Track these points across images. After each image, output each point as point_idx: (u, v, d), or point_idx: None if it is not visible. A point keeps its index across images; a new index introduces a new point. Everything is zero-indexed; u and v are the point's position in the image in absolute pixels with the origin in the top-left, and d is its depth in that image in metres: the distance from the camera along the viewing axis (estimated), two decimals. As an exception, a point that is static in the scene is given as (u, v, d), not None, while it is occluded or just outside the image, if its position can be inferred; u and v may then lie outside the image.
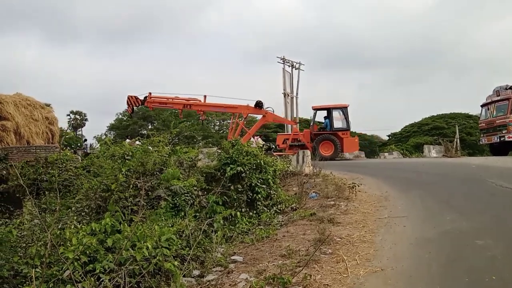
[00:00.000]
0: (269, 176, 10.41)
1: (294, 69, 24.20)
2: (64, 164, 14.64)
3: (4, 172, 17.91)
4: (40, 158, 17.19)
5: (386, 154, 31.89)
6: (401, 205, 8.96)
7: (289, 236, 7.30)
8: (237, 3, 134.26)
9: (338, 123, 20.74)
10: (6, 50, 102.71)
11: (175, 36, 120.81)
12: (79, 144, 35.20)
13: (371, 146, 57.13)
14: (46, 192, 9.13)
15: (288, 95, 22.79)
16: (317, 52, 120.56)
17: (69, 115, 64.87)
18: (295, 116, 23.76)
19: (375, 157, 34.99)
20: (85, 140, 31.03)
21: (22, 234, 5.87)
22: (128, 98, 20.58)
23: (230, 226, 8.29)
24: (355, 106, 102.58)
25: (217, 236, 6.71)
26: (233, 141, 11.21)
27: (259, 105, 20.30)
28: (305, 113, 58.75)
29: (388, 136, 63.67)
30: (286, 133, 21.08)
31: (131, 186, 7.59)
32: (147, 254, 5.04)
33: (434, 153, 26.15)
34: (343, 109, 21.01)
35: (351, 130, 21.43)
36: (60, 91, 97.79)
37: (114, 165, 9.19)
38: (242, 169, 9.93)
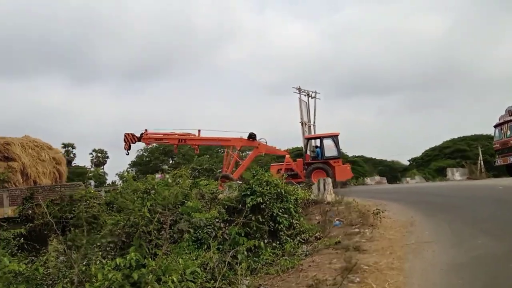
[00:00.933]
0: (290, 205, 10.31)
1: (310, 98, 24.38)
2: (88, 201, 14.83)
3: (30, 211, 18.26)
4: (64, 196, 17.48)
5: (408, 179, 31.34)
6: (429, 230, 8.72)
7: (315, 266, 7.15)
8: (252, 38, 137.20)
9: (329, 151, 20.74)
10: (34, 92, 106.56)
11: (194, 72, 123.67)
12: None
13: (392, 171, 56.21)
14: (72, 229, 9.22)
15: (306, 124, 22.86)
16: (333, 81, 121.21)
17: (91, 153, 66.20)
18: (313, 145, 23.67)
19: (397, 182, 34.38)
20: (90, 178, 31.46)
21: (48, 271, 5.90)
22: (125, 135, 21.06)
23: (254, 258, 8.18)
24: (373, 132, 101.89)
25: (241, 268, 6.61)
26: (254, 172, 11.21)
27: (252, 137, 20.62)
28: (324, 141, 58.67)
29: (409, 161, 62.71)
30: (279, 163, 21.12)
31: (155, 220, 7.61)
32: (173, 287, 5.00)
33: (458, 176, 25.58)
34: (334, 137, 21.09)
35: (341, 157, 21.53)
36: (84, 130, 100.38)
37: (137, 200, 9.27)
38: (262, 200, 9.87)
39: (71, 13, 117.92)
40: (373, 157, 60.51)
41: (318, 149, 21.28)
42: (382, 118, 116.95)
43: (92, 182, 25.77)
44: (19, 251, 7.55)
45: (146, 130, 20.97)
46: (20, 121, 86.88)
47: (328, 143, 20.89)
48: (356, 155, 57.14)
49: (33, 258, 6.80)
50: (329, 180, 14.49)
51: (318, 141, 21.88)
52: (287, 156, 21.59)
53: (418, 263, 6.47)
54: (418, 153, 62.60)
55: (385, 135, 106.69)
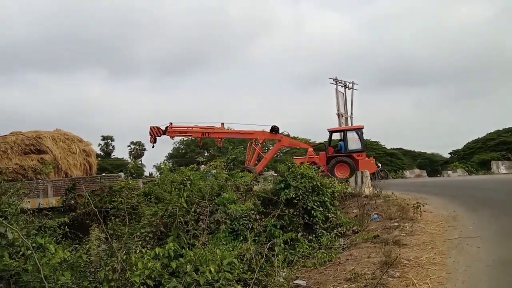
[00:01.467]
0: (326, 198, 10.17)
1: (347, 89, 23.89)
2: (127, 192, 15.22)
3: (73, 201, 18.97)
4: (104, 187, 18.04)
5: (449, 172, 30.30)
6: (472, 225, 8.39)
7: (353, 260, 7.02)
8: (287, 30, 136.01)
9: (353, 144, 20.26)
10: (74, 87, 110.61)
11: (228, 66, 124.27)
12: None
13: (432, 164, 54.56)
14: (112, 219, 9.48)
15: (342, 116, 22.45)
16: (370, 72, 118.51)
17: (129, 145, 68.01)
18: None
19: (438, 175, 33.34)
20: (121, 170, 32.21)
21: (91, 259, 6.07)
22: (151, 128, 21.33)
23: (290, 250, 8.13)
24: (412, 124, 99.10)
25: (278, 260, 6.58)
26: (289, 164, 11.12)
27: (274, 129, 20.48)
28: (361, 133, 57.60)
29: (450, 153, 60.61)
30: (302, 157, 20.79)
31: (192, 211, 7.70)
32: (210, 278, 5.03)
33: (503, 169, 24.49)
34: (358, 130, 20.63)
35: (365, 151, 20.81)
36: (123, 123, 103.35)
37: (174, 191, 9.41)
38: (295, 194, 9.77)
39: (109, 11, 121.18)
40: (412, 150, 58.92)
41: (341, 142, 20.93)
42: (421, 109, 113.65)
43: (122, 174, 26.49)
44: (63, 239, 7.82)
45: (171, 123, 21.30)
46: (61, 115, 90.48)
47: (351, 136, 20.49)
48: (395, 147, 55.86)
49: (76, 246, 7.02)
50: (367, 173, 14.20)
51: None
52: (310, 149, 21.35)
53: (462, 259, 6.23)
54: (459, 145, 60.47)
55: (424, 127, 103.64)
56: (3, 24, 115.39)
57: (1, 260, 4.76)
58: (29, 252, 5.01)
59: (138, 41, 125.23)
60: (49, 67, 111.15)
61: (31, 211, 8.92)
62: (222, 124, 21.30)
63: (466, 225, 8.43)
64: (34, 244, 4.63)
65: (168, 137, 21.57)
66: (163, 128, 21.27)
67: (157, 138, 21.47)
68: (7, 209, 6.61)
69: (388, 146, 55.82)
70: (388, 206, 11.17)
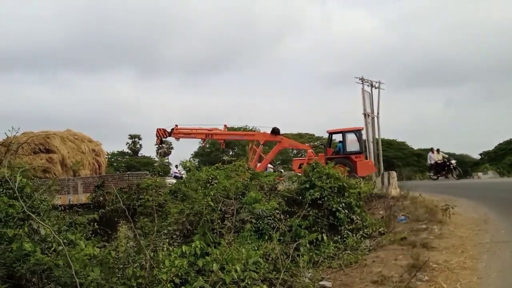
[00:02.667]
0: (352, 199, 10.05)
1: (374, 88, 23.44)
2: (154, 190, 15.46)
3: (101, 198, 19.41)
4: (132, 184, 18.39)
5: (480, 174, 29.48)
6: (505, 228, 8.13)
7: (380, 262, 6.92)
8: (314, 29, 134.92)
9: (351, 146, 20.12)
10: (104, 86, 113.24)
11: (255, 65, 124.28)
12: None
13: (461, 166, 53.13)
14: (140, 216, 9.66)
15: (369, 116, 22.04)
16: (399, 71, 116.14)
17: (156, 144, 68.94)
18: (376, 137, 22.89)
19: (468, 177, 32.47)
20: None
21: (119, 255, 6.19)
22: (157, 130, 21.76)
23: (315, 251, 8.08)
24: (441, 124, 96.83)
25: (303, 260, 6.55)
26: (314, 164, 11.05)
27: (275, 131, 20.74)
28: (388, 133, 56.71)
29: (480, 154, 58.90)
30: (301, 158, 20.82)
31: (218, 209, 7.75)
32: (236, 277, 5.05)
33: (537, 171, 23.59)
34: (357, 132, 20.49)
35: (364, 152, 20.44)
36: (150, 122, 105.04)
37: (200, 190, 9.50)
38: (321, 194, 9.69)
39: (139, 13, 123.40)
40: (441, 150, 57.55)
41: (340, 144, 20.91)
42: (450, 109, 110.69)
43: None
44: (93, 235, 8.01)
45: (176, 125, 21.79)
46: (91, 113, 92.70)
47: (350, 137, 20.39)
48: (422, 148, 54.69)
49: (105, 243, 7.17)
50: (394, 173, 13.95)
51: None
52: (309, 150, 21.38)
53: (494, 264, 6.05)
54: (490, 146, 58.69)
55: (453, 127, 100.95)
56: (37, 25, 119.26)
57: (33, 255, 4.91)
58: (60, 247, 5.16)
59: (167, 42, 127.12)
60: (81, 67, 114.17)
61: (62, 208, 9.18)
62: (225, 125, 21.77)
63: (498, 229, 8.18)
64: (65, 240, 4.76)
65: (174, 138, 22.01)
66: (169, 130, 21.71)
67: (163, 139, 22.03)
68: (39, 206, 6.82)
69: (415, 147, 54.74)
70: (416, 208, 10.94)
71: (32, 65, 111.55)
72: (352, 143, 20.13)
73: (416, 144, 57.48)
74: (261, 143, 21.32)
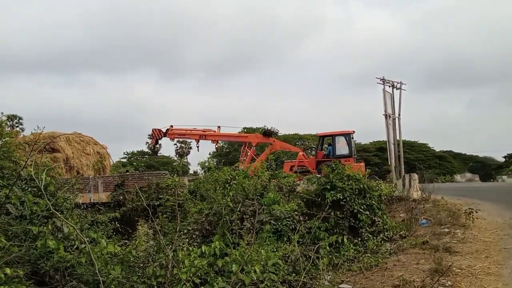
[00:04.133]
0: (373, 201, 9.93)
1: (395, 89, 23.12)
2: (173, 189, 15.57)
3: (121, 197, 19.66)
4: (151, 184, 18.56)
5: (504, 177, 28.76)
6: (531, 234, 7.91)
7: (401, 266, 6.81)
8: (336, 29, 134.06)
9: (341, 149, 20.21)
10: (126, 87, 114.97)
11: (275, 66, 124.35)
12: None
13: (484, 168, 52.02)
14: (160, 215, 9.73)
15: (390, 117, 21.74)
16: (420, 72, 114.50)
17: (175, 144, 69.53)
18: (397, 138, 22.57)
19: (492, 180, 31.75)
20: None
21: (139, 254, 6.25)
22: (153, 131, 22.24)
23: (335, 253, 8.00)
24: (463, 126, 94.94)
25: (323, 262, 6.49)
26: (333, 165, 10.95)
27: (267, 133, 21.37)
28: (409, 135, 55.87)
29: (505, 157, 57.47)
30: (292, 161, 21.02)
31: (238, 210, 7.75)
32: (255, 278, 5.03)
33: None
34: (346, 135, 20.50)
35: (354, 156, 20.57)
36: (170, 122, 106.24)
37: (219, 190, 9.50)
38: (342, 196, 9.60)
39: (161, 16, 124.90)
40: (463, 153, 56.44)
41: (330, 147, 21.01)
42: (473, 110, 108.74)
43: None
44: (114, 233, 8.11)
45: (171, 126, 22.18)
46: (114, 114, 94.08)
47: (340, 141, 20.49)
48: (444, 150, 53.76)
49: (125, 241, 7.25)
50: (415, 176, 13.74)
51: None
52: (300, 153, 21.58)
53: (520, 270, 5.88)
54: (515, 149, 57.25)
55: (477, 129, 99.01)
56: (63, 28, 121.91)
57: (57, 253, 4.99)
58: (83, 245, 5.24)
59: (189, 44, 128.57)
60: (105, 69, 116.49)
61: (84, 206, 9.32)
62: (219, 127, 22.19)
63: (525, 234, 7.97)
64: (87, 238, 4.82)
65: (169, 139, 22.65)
66: (164, 130, 22.14)
67: (159, 140, 22.54)
68: (63, 204, 6.94)
69: (437, 149, 53.80)
70: (438, 211, 10.76)
71: (57, 67, 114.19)
72: (341, 147, 20.26)
73: (438, 146, 56.45)
74: (254, 145, 21.88)
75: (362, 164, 20.36)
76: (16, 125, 45.86)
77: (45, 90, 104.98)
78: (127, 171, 24.71)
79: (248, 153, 21.49)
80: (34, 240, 5.11)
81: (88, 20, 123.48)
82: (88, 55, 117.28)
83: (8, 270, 4.01)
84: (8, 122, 43.69)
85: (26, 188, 6.33)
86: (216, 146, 23.24)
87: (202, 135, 22.33)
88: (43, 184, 5.07)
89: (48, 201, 4.90)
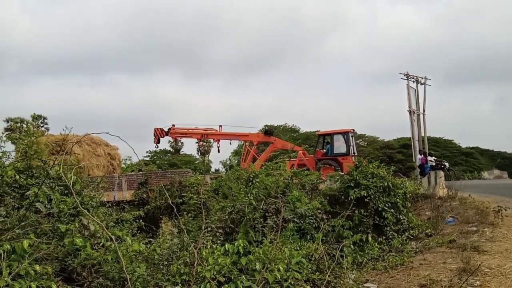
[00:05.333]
0: (398, 199, 9.77)
1: (419, 84, 22.70)
2: (195, 188, 15.73)
3: (145, 195, 19.92)
4: (174, 182, 18.76)
5: (534, 174, 27.86)
6: None
7: (427, 265, 6.67)
8: (361, 25, 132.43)
9: (339, 148, 20.39)
10: (150, 87, 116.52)
11: (300, 64, 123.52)
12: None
13: (512, 165, 50.52)
14: (184, 213, 9.83)
15: (414, 113, 21.37)
16: (447, 67, 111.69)
17: (197, 142, 70.01)
18: (422, 134, 22.18)
19: (520, 177, 30.86)
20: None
21: (163, 252, 6.32)
22: (155, 130, 22.41)
23: (359, 252, 7.90)
24: (491, 122, 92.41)
25: (347, 261, 6.41)
26: (357, 163, 10.83)
27: (268, 132, 21.76)
28: (434, 131, 54.80)
29: (534, 153, 55.75)
30: (293, 159, 21.27)
31: (260, 208, 7.75)
32: (279, 276, 5.02)
33: None
34: (345, 134, 20.60)
35: (353, 154, 20.49)
36: (194, 121, 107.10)
37: (241, 188, 9.53)
38: (366, 193, 9.49)
39: (186, 16, 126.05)
40: (490, 149, 54.98)
41: (328, 146, 21.14)
42: (501, 106, 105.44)
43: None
44: (138, 231, 8.22)
45: (173, 125, 22.46)
46: (139, 114, 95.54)
47: (338, 139, 20.70)
48: (470, 146, 52.50)
49: (150, 239, 7.34)
50: (441, 173, 13.45)
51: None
52: (300, 151, 21.68)
53: (553, 270, 5.68)
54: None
55: (505, 125, 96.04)
56: (90, 29, 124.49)
57: (84, 250, 5.09)
58: (108, 243, 5.32)
59: (213, 43, 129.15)
60: (130, 69, 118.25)
61: (109, 204, 9.48)
62: (220, 126, 22.44)
63: (557, 233, 7.69)
64: (112, 236, 4.90)
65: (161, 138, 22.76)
66: (166, 129, 22.39)
67: (161, 139, 22.68)
68: (89, 202, 7.07)
69: (463, 145, 52.58)
70: (465, 209, 10.49)
71: (84, 69, 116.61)
72: (340, 145, 20.47)
73: (464, 142, 55.19)
74: (255, 144, 22.21)
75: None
76: (41, 125, 47.01)
77: (71, 90, 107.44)
78: (140, 170, 25.12)
79: (250, 152, 21.81)
80: (62, 237, 5.21)
81: (114, 21, 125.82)
82: (113, 56, 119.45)
83: (37, 267, 4.09)
84: (33, 122, 44.86)
85: (54, 186, 6.47)
86: (218, 144, 23.56)
87: (204, 134, 22.82)
88: (71, 182, 5.16)
89: (75, 200, 4.99)
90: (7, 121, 47.81)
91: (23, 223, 4.72)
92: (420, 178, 15.20)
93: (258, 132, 22.11)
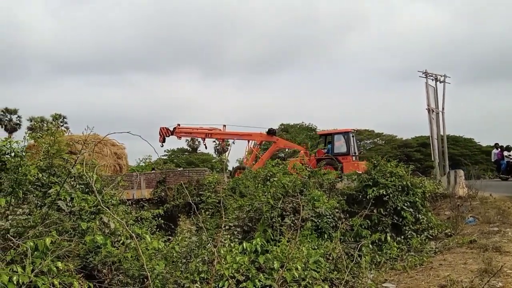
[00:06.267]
0: (417, 198, 9.66)
1: (438, 82, 22.31)
2: (213, 186, 15.82)
3: (163, 193, 20.13)
4: (192, 180, 18.89)
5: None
6: None
7: (447, 265, 6.58)
8: (379, 23, 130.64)
9: (339, 148, 20.77)
10: (169, 86, 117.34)
11: (317, 62, 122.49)
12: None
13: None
14: (202, 212, 9.90)
15: (433, 111, 21.03)
16: (467, 65, 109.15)
17: (214, 141, 70.30)
18: (441, 133, 21.81)
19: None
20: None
21: (182, 250, 6.39)
22: (160, 129, 22.70)
23: (378, 252, 7.84)
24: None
25: (365, 261, 6.38)
26: (375, 162, 10.73)
27: (271, 132, 21.98)
28: (454, 130, 53.86)
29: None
30: (296, 158, 21.52)
31: (278, 207, 7.75)
32: (297, 275, 5.02)
33: None
34: (345, 134, 20.99)
35: (353, 154, 20.87)
36: (211, 120, 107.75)
37: (258, 186, 9.55)
38: (385, 192, 9.41)
39: (203, 16, 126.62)
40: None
41: (329, 145, 21.51)
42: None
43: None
44: (157, 229, 8.32)
45: (178, 124, 22.82)
46: (156, 113, 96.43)
47: (338, 139, 21.08)
48: (491, 145, 51.38)
49: (169, 237, 7.42)
50: (461, 172, 13.23)
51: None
52: (302, 151, 21.82)
53: None
54: None
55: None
56: (109, 28, 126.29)
57: (104, 248, 5.18)
58: (128, 241, 5.41)
59: (231, 42, 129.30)
60: (148, 68, 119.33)
61: (129, 202, 9.61)
62: (224, 126, 22.82)
63: None
64: (132, 234, 4.97)
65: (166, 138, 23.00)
66: (171, 128, 22.71)
67: (166, 138, 22.87)
68: (109, 201, 7.19)
69: (484, 144, 51.52)
70: (486, 209, 10.31)
71: (105, 68, 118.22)
72: (340, 145, 20.81)
73: (484, 141, 53.95)
74: (258, 143, 22.55)
75: (363, 162, 20.57)
76: (61, 124, 47.92)
77: (92, 90, 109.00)
78: (153, 168, 25.38)
79: (253, 152, 22.17)
80: (83, 235, 5.32)
81: (133, 21, 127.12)
82: (133, 56, 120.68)
83: (59, 264, 4.19)
84: (53, 121, 45.79)
85: (75, 185, 6.60)
86: (222, 144, 23.89)
87: (208, 134, 23.03)
88: (94, 181, 5.26)
89: (98, 198, 5.08)
90: (30, 120, 48.87)
91: (46, 222, 4.83)
92: (500, 176, 14.57)
93: (260, 132, 22.49)
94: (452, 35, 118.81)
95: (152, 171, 24.32)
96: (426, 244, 8.45)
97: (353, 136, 21.33)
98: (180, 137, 23.71)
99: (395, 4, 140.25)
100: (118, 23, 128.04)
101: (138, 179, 21.99)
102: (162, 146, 23.49)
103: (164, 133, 22.85)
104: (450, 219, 9.97)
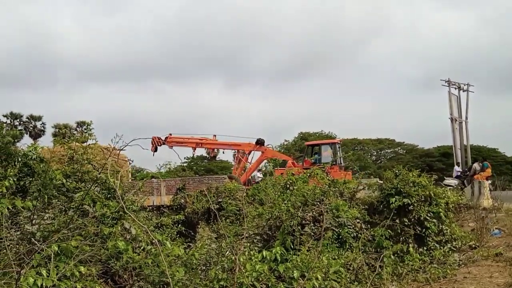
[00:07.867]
0: (440, 209, 9.46)
1: (462, 91, 22.00)
2: (232, 193, 15.82)
3: (183, 200, 20.24)
4: (211, 187, 18.95)
5: None
6: None
7: (472, 278, 6.42)
8: (403, 32, 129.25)
9: (326, 158, 21.09)
10: (194, 95, 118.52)
11: (339, 70, 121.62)
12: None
13: None
14: (222, 219, 9.91)
15: (456, 120, 20.73)
16: (492, 73, 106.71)
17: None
18: (465, 143, 21.45)
19: None
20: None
21: (201, 257, 6.40)
22: (153, 138, 23.02)
23: (400, 263, 7.69)
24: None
25: (386, 272, 6.27)
26: (397, 171, 10.58)
27: (259, 142, 22.35)
28: (477, 139, 52.72)
29: None
30: (283, 168, 21.66)
31: (298, 215, 7.70)
32: (316, 285, 4.97)
33: None
34: (332, 144, 21.93)
35: (340, 164, 21.38)
36: (233, 129, 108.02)
37: (278, 194, 9.50)
38: (409, 201, 9.24)
39: (226, 24, 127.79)
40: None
41: (316, 155, 21.87)
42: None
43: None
44: (177, 236, 8.36)
45: (170, 134, 23.33)
46: (178, 121, 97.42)
47: (325, 149, 21.65)
48: (518, 155, 50.05)
49: (189, 244, 7.45)
50: (486, 183, 12.92)
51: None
52: (290, 161, 22.47)
53: None
54: None
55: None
56: (135, 37, 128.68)
57: (126, 253, 5.22)
58: (149, 247, 5.45)
59: (253, 50, 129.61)
60: (173, 76, 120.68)
61: (149, 208, 9.69)
62: (214, 136, 23.41)
63: None
64: (153, 240, 5.01)
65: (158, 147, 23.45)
66: (163, 138, 23.10)
67: (158, 147, 23.27)
68: (130, 207, 7.26)
69: (509, 154, 50.24)
70: (512, 221, 10.04)
71: (130, 76, 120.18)
72: (327, 155, 21.24)
73: (509, 151, 52.63)
74: (246, 153, 22.95)
75: (350, 172, 20.71)
76: (85, 130, 48.86)
77: (118, 97, 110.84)
78: (152, 177, 25.83)
79: (241, 161, 22.70)
80: (105, 240, 5.38)
81: (160, 31, 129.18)
82: (158, 63, 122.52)
83: (82, 269, 4.25)
84: (78, 128, 46.75)
85: (98, 191, 6.69)
86: (212, 153, 24.23)
87: (199, 143, 23.58)
88: (117, 187, 5.34)
89: (118, 204, 5.15)
90: (54, 127, 50.01)
91: (70, 226, 4.91)
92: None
93: (249, 142, 23.00)
94: (477, 44, 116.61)
95: (172, 178, 24.53)
96: (449, 256, 8.27)
97: (339, 147, 22.10)
98: (171, 146, 24.24)
99: (420, 12, 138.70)
100: (143, 32, 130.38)
101: (159, 186, 22.20)
102: (154, 155, 24.04)
103: (156, 142, 23.44)
104: (474, 230, 9.74)
